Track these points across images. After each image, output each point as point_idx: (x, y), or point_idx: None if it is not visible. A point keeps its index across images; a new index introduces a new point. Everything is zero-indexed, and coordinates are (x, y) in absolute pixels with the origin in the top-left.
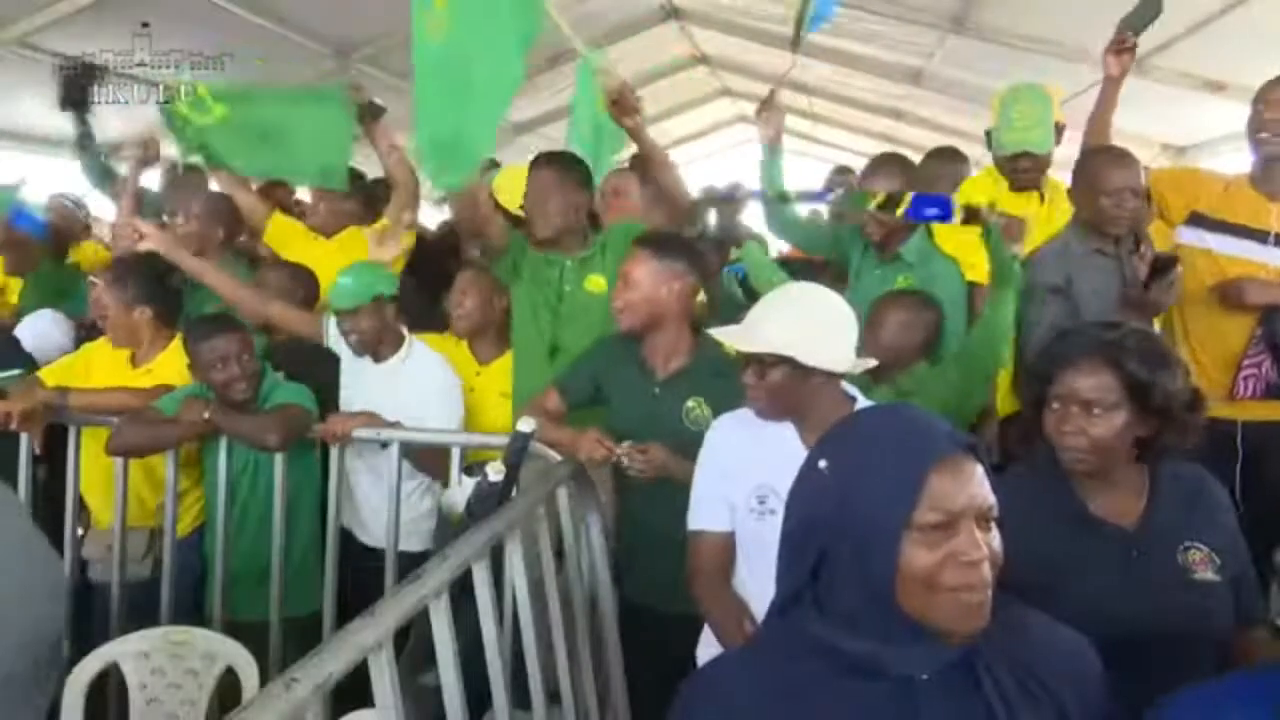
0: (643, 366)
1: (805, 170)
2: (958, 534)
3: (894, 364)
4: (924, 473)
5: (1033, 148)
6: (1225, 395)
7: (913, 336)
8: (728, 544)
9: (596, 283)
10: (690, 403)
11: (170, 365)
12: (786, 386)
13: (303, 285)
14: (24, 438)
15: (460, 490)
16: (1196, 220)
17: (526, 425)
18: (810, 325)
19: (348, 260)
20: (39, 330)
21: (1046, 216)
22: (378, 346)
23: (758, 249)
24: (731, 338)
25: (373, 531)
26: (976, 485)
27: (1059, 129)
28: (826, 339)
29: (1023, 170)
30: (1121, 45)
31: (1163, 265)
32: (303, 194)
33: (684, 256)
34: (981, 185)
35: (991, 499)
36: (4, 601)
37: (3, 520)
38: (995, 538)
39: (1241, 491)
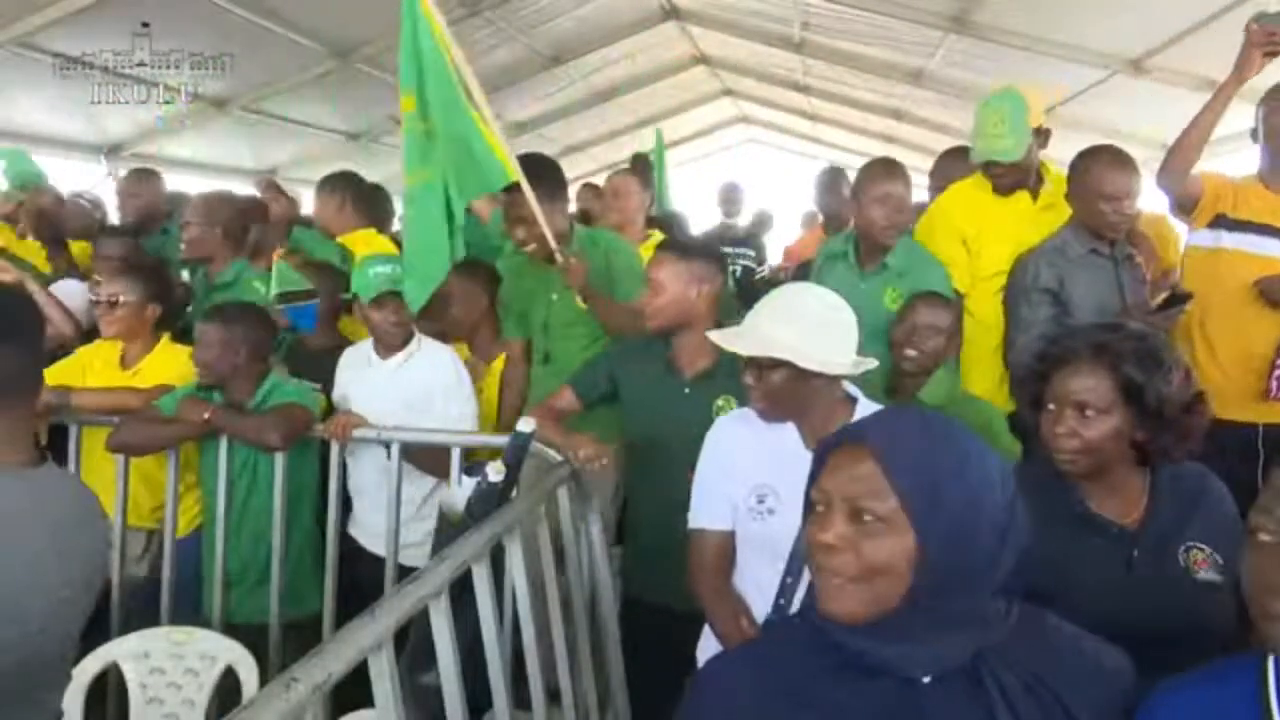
0: (669, 366)
1: (806, 170)
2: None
3: (932, 369)
4: (823, 458)
5: (999, 157)
6: (1252, 397)
7: (952, 339)
8: (729, 543)
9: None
10: (720, 400)
11: (157, 367)
12: (786, 388)
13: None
14: None
15: (460, 490)
16: (1218, 222)
17: (526, 425)
18: (809, 327)
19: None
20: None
21: (1038, 216)
22: (406, 336)
23: None
24: (730, 341)
25: (375, 531)
26: (855, 475)
27: (1040, 134)
28: (825, 341)
29: (997, 176)
30: (1272, 43)
31: (1177, 299)
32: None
33: (709, 259)
34: (964, 192)
35: (870, 494)
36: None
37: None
38: (877, 535)
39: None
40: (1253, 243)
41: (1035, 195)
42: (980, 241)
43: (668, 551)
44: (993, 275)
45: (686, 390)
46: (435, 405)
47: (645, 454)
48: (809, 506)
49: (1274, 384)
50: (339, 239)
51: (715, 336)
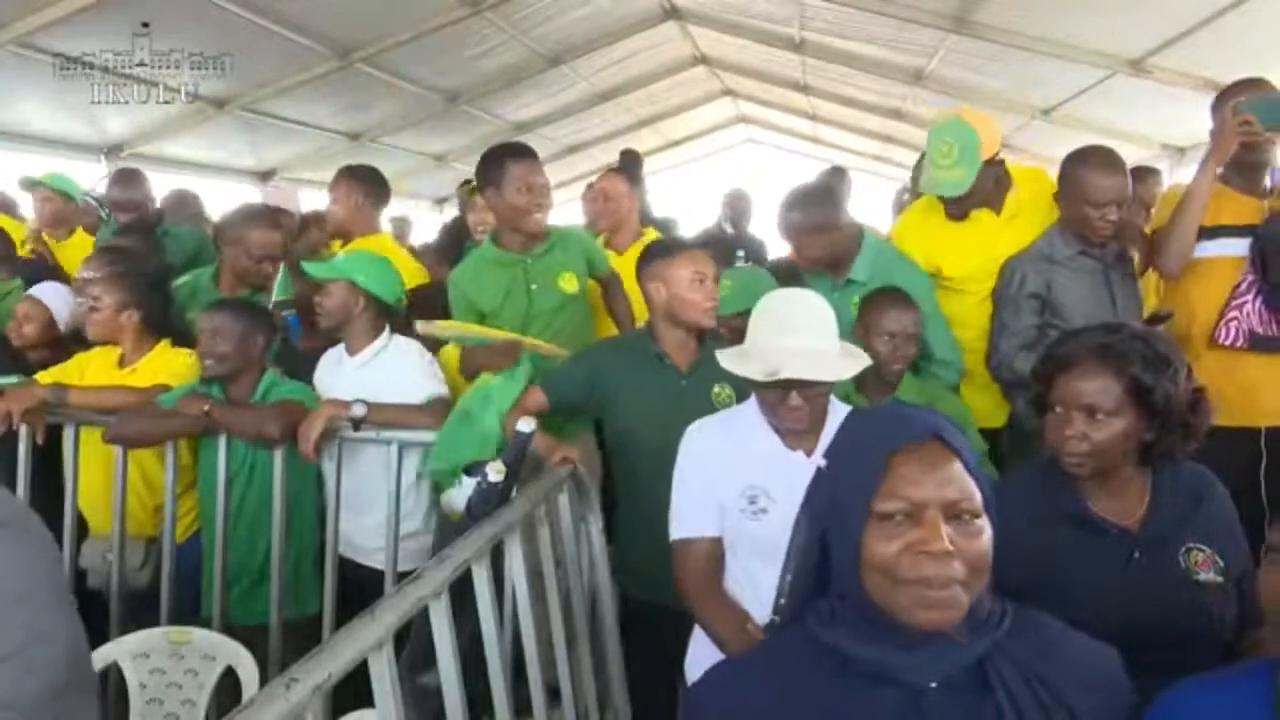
0: (662, 362)
1: (806, 170)
2: (920, 525)
3: (894, 364)
4: (885, 459)
5: (946, 191)
6: (1256, 400)
7: (910, 343)
8: (717, 549)
9: (570, 281)
10: (716, 388)
11: (155, 368)
12: (822, 404)
13: None
14: (22, 442)
15: (460, 490)
16: (1198, 234)
17: (526, 425)
18: (836, 334)
19: None
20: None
21: (1003, 226)
22: (343, 331)
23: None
24: (809, 371)
25: (360, 545)
26: (946, 476)
27: (994, 164)
28: (844, 346)
29: (948, 203)
30: (1246, 131)
31: (1159, 318)
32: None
33: None
34: (916, 218)
35: (965, 493)
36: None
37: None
38: (977, 534)
39: (1266, 492)
40: (1235, 245)
41: (999, 208)
42: (938, 264)
43: (655, 549)
44: (970, 291)
45: (684, 383)
46: (409, 395)
47: (645, 450)
48: (867, 515)
49: (1223, 329)
50: (355, 241)
51: (795, 371)
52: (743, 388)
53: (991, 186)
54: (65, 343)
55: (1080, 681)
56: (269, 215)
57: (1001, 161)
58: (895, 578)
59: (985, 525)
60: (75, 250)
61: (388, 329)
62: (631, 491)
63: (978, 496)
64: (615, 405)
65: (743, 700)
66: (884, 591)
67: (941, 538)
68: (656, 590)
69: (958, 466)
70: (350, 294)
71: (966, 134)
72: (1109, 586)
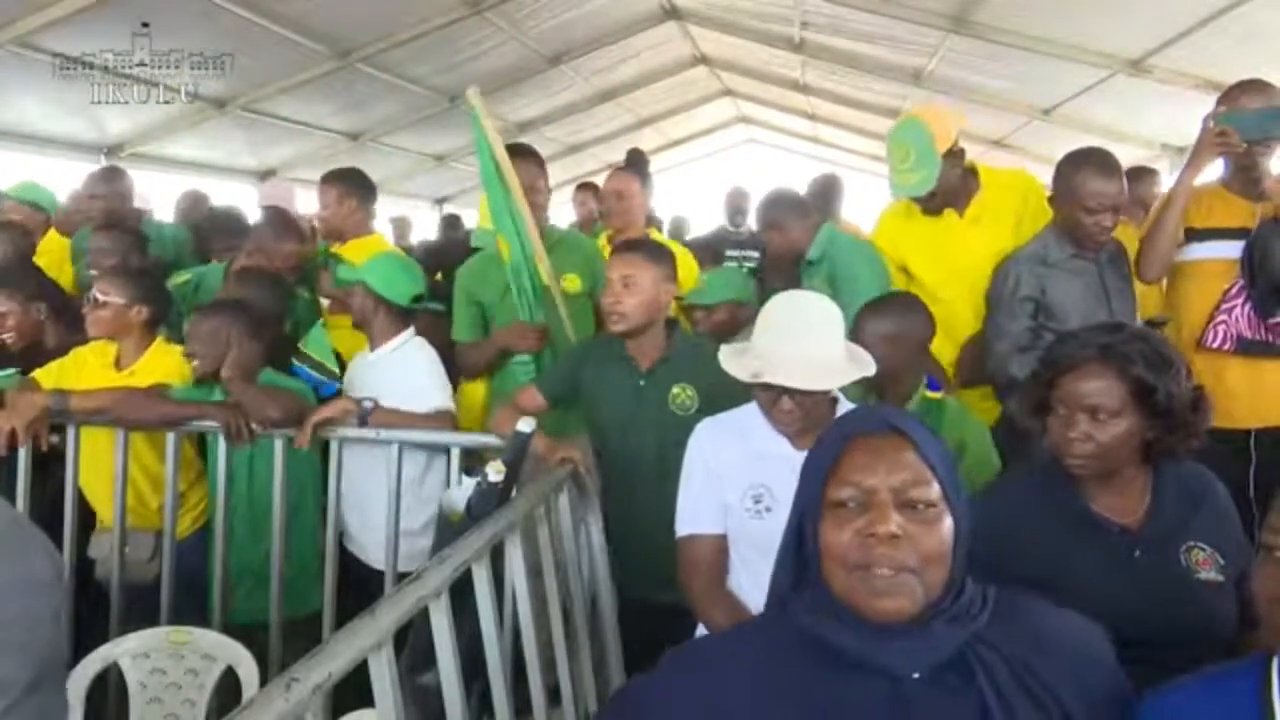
0: (626, 363)
1: (805, 170)
2: (869, 511)
3: (893, 383)
4: (840, 449)
5: (909, 192)
6: (1246, 401)
7: (903, 350)
8: (722, 545)
9: (572, 281)
10: (675, 389)
11: (153, 367)
12: (822, 406)
13: None
14: (22, 444)
15: (460, 490)
16: (1186, 236)
17: (526, 425)
18: (841, 337)
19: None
20: None
21: (966, 231)
22: (366, 329)
23: None
24: (791, 379)
25: (367, 545)
26: (898, 463)
27: (954, 155)
28: (847, 349)
29: (920, 203)
30: (1223, 143)
31: (1156, 324)
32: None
33: (672, 262)
34: (891, 223)
35: (918, 480)
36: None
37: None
38: (932, 523)
39: (1254, 494)
40: (1225, 248)
41: (962, 211)
42: (904, 261)
43: (643, 544)
44: (951, 297)
45: (642, 383)
46: (414, 398)
47: (611, 449)
48: (824, 506)
49: (1211, 332)
50: (350, 242)
51: (779, 380)
52: (705, 389)
53: (959, 180)
54: (42, 341)
55: (1071, 671)
56: (298, 227)
57: (962, 152)
58: (847, 564)
59: (944, 516)
60: (43, 257)
61: (410, 330)
62: (609, 488)
63: (934, 486)
64: (587, 402)
65: (726, 675)
66: (839, 580)
67: (888, 520)
68: (634, 585)
69: (912, 455)
70: (365, 296)
71: (920, 133)
72: (1110, 585)
